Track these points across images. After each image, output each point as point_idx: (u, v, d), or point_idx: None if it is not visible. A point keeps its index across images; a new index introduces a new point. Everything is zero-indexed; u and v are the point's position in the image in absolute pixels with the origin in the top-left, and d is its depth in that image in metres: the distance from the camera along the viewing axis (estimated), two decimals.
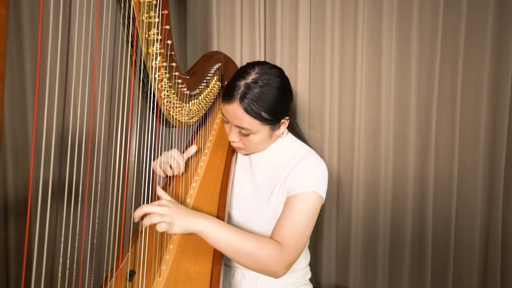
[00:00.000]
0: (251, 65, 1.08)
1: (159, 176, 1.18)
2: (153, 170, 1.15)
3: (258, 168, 1.18)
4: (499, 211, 1.67)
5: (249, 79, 1.03)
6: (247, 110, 1.01)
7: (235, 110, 1.03)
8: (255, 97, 1.01)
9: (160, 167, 1.15)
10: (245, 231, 0.97)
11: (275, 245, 0.97)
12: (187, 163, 1.22)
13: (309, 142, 1.72)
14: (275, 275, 0.96)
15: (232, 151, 1.24)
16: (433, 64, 1.63)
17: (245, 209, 1.15)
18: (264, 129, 1.07)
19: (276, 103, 1.04)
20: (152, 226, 1.05)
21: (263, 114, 1.03)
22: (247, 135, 1.07)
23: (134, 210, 0.94)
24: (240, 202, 1.17)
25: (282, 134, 1.16)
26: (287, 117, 1.12)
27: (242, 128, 1.05)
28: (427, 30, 1.62)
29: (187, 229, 0.89)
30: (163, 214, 0.87)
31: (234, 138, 1.10)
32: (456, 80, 1.63)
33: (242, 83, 1.03)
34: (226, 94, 1.05)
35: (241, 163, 1.24)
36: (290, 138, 1.20)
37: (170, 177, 1.18)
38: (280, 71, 1.09)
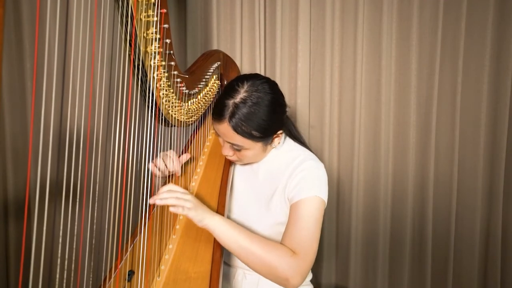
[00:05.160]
0: (241, 81, 1.03)
1: (156, 176, 1.17)
2: (150, 171, 1.13)
3: (259, 172, 1.17)
4: (499, 211, 1.67)
5: (238, 98, 1.00)
6: (237, 130, 1.00)
7: (225, 129, 1.02)
8: (244, 117, 0.99)
9: (156, 166, 1.13)
10: (258, 235, 0.97)
11: (287, 250, 0.96)
12: (185, 162, 1.21)
13: (309, 142, 1.72)
14: (287, 283, 0.92)
15: None
16: (433, 64, 1.63)
17: (246, 215, 1.14)
18: (257, 145, 1.06)
19: (267, 121, 1.02)
20: (151, 226, 1.05)
21: (254, 133, 1.01)
22: (239, 150, 1.06)
23: (133, 209, 0.94)
24: (240, 207, 1.16)
25: (278, 144, 1.15)
26: (280, 131, 1.11)
27: (234, 144, 1.05)
28: (427, 30, 1.62)
29: (202, 220, 0.93)
30: (187, 200, 0.92)
31: (227, 152, 1.09)
32: (456, 80, 1.63)
33: (230, 103, 0.99)
34: (215, 112, 1.03)
35: (241, 167, 1.24)
36: (289, 142, 1.19)
37: (168, 177, 1.18)
38: (271, 86, 1.06)
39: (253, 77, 1.05)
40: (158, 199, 0.89)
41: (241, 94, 1.01)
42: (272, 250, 0.94)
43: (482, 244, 1.72)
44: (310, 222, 1.00)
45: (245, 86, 1.02)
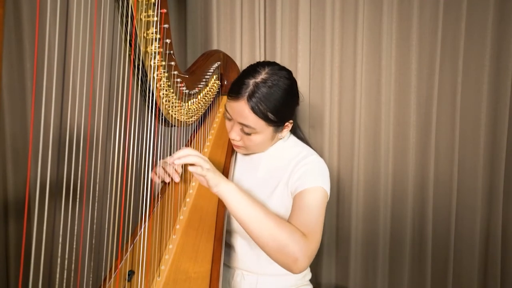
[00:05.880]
0: (261, 65, 1.07)
1: (156, 183, 1.17)
2: (151, 179, 1.13)
3: (260, 168, 1.17)
4: (499, 211, 1.67)
5: (259, 78, 1.03)
6: (253, 109, 1.01)
7: (241, 108, 1.02)
8: (263, 97, 1.01)
9: (157, 175, 1.13)
10: (269, 210, 0.95)
11: (297, 229, 0.93)
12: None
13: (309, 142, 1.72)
14: (295, 264, 0.89)
15: (231, 150, 1.24)
16: (433, 64, 1.63)
17: None
18: (268, 130, 1.06)
19: (283, 105, 1.04)
20: (151, 226, 1.05)
21: (269, 115, 1.02)
22: (249, 134, 1.06)
23: (133, 209, 0.94)
24: None
25: (284, 137, 1.16)
26: (291, 121, 1.12)
27: (245, 126, 1.04)
28: (427, 30, 1.62)
29: (217, 185, 0.91)
30: (206, 161, 0.91)
31: (235, 136, 1.09)
32: (456, 80, 1.63)
33: (251, 82, 1.02)
34: (233, 90, 1.04)
35: (241, 162, 1.24)
36: (293, 139, 1.20)
37: (167, 183, 1.17)
38: (289, 74, 1.09)
39: (273, 64, 1.09)
40: (177, 159, 0.88)
41: (262, 75, 1.04)
42: (285, 227, 0.91)
43: (482, 244, 1.72)
44: (315, 208, 1.00)
45: (266, 69, 1.05)
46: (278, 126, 1.08)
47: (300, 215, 0.99)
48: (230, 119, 1.09)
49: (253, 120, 1.02)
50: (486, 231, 1.71)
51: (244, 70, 1.09)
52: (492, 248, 1.70)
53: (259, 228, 0.90)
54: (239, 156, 1.26)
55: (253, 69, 1.06)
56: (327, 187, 1.06)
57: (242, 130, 1.06)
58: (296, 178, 1.07)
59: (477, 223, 1.69)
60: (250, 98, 1.01)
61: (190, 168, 0.90)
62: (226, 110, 1.08)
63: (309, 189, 1.03)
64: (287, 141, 1.18)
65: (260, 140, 1.08)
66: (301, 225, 0.96)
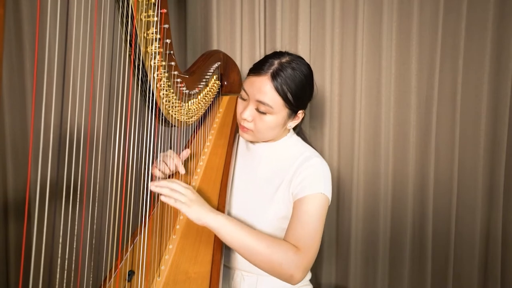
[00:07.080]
0: (284, 51, 1.11)
1: (157, 177, 1.17)
2: (151, 174, 1.14)
3: (261, 166, 1.17)
4: (499, 211, 1.67)
5: (284, 59, 1.06)
6: (276, 87, 1.03)
7: (263, 83, 1.03)
8: (287, 77, 1.03)
9: (156, 167, 1.14)
10: (261, 232, 0.98)
11: (290, 247, 0.97)
12: (186, 162, 1.21)
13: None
14: (291, 279, 0.94)
15: (232, 150, 1.24)
16: (433, 64, 1.63)
17: (247, 209, 1.14)
18: (283, 112, 1.07)
19: (302, 90, 1.07)
20: (151, 226, 1.05)
21: (289, 95, 1.04)
22: (264, 113, 1.06)
23: (133, 210, 0.94)
24: (242, 202, 1.16)
25: (291, 129, 1.16)
26: (303, 111, 1.13)
27: (262, 103, 1.04)
28: (427, 30, 1.62)
29: (200, 219, 0.92)
30: (184, 194, 0.92)
31: (247, 115, 1.08)
32: (456, 80, 1.63)
33: (276, 61, 1.05)
34: (257, 68, 1.07)
35: (242, 161, 1.23)
36: (295, 138, 1.20)
37: (169, 176, 1.18)
38: (308, 64, 1.13)
39: (294, 54, 1.13)
40: (154, 186, 0.91)
41: (287, 57, 1.07)
42: (277, 247, 0.94)
43: (482, 244, 1.72)
44: (314, 218, 1.01)
45: (290, 55, 1.10)
46: (293, 111, 1.09)
47: (297, 227, 1.01)
48: (245, 99, 1.09)
49: (272, 97, 1.03)
50: (486, 231, 1.71)
51: (267, 54, 1.12)
52: (492, 248, 1.70)
53: (251, 254, 0.94)
54: (239, 155, 1.26)
55: (278, 52, 1.10)
56: (328, 192, 1.07)
57: (257, 109, 1.06)
58: (298, 181, 1.07)
59: (477, 223, 1.69)
60: (274, 75, 1.03)
61: (161, 198, 0.92)
62: (243, 89, 1.09)
63: (310, 196, 1.04)
64: (290, 139, 1.18)
65: (272, 123, 1.08)
66: (297, 239, 0.98)
